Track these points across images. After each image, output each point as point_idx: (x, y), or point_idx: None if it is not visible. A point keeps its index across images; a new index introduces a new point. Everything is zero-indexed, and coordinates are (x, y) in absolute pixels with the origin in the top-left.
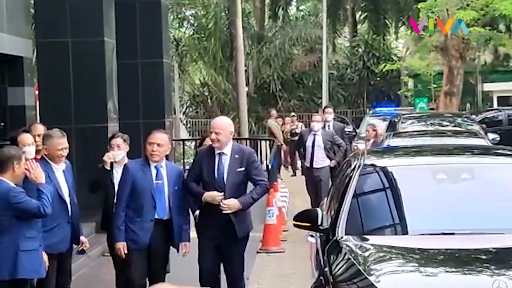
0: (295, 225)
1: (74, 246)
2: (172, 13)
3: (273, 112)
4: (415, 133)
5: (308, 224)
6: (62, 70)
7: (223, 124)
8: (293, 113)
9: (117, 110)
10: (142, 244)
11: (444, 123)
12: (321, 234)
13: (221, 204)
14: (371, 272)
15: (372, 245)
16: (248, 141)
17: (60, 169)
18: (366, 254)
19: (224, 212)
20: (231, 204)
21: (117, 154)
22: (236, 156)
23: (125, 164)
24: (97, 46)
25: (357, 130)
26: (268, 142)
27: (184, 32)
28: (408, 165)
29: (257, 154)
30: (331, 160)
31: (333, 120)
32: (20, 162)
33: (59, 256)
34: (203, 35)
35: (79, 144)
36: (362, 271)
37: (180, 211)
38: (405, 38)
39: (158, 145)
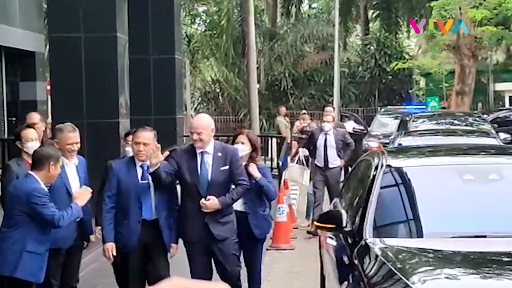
0: (318, 227)
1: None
2: (185, 10)
3: (282, 109)
4: (426, 132)
5: (333, 226)
6: (74, 65)
7: (204, 123)
8: (303, 111)
9: (128, 106)
10: (131, 247)
11: (456, 122)
12: (346, 236)
13: (200, 202)
14: (408, 276)
15: (405, 247)
16: (259, 138)
17: (71, 164)
18: (400, 257)
19: (203, 210)
20: (209, 204)
21: (131, 151)
22: (219, 154)
23: (109, 164)
24: (109, 41)
25: (368, 128)
26: (278, 140)
27: (196, 28)
28: (434, 165)
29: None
30: (341, 159)
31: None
32: (57, 163)
33: (67, 252)
34: (215, 32)
35: (90, 139)
36: (399, 274)
37: (167, 211)
38: (417, 37)
39: (144, 144)
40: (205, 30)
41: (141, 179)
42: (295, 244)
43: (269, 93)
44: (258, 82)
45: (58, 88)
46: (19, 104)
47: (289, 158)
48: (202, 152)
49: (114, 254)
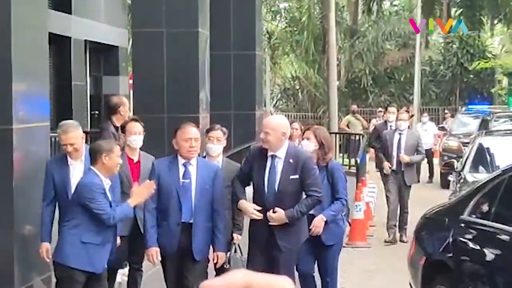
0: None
1: None
2: (266, 6)
3: (353, 107)
4: (508, 131)
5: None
6: (157, 60)
7: (274, 124)
8: (380, 108)
9: (208, 101)
10: (169, 251)
11: None
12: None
13: (267, 215)
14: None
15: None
16: (337, 136)
17: (77, 162)
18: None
19: (270, 223)
20: (276, 217)
21: (215, 148)
22: (291, 160)
23: (152, 162)
24: (191, 37)
25: (448, 127)
26: (358, 137)
27: (277, 25)
28: None
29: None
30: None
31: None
32: (111, 154)
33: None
34: (295, 29)
35: (171, 134)
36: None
37: (210, 213)
38: (501, 36)
39: (196, 140)
40: (286, 26)
41: (183, 178)
42: (372, 242)
43: (349, 90)
44: (338, 79)
45: (140, 83)
46: (102, 98)
47: (367, 156)
48: (272, 155)
49: (160, 258)
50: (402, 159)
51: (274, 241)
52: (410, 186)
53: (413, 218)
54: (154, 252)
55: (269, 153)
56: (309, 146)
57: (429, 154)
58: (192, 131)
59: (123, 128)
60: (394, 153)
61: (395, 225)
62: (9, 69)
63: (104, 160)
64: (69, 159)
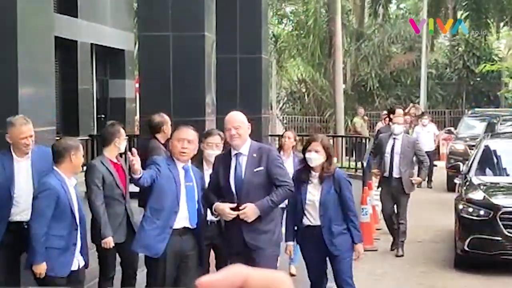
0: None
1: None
2: (272, 9)
3: (360, 110)
4: None
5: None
6: (163, 63)
7: (241, 117)
8: (385, 112)
9: (215, 105)
10: (161, 254)
11: None
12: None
13: (239, 214)
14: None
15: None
16: (343, 139)
17: (23, 160)
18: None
19: (244, 219)
20: (247, 211)
21: (215, 155)
22: (254, 155)
23: (151, 157)
24: (197, 40)
25: (455, 131)
26: (360, 140)
27: (283, 28)
28: None
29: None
30: (411, 174)
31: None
32: (77, 152)
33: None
34: (302, 32)
35: None
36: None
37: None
38: (507, 38)
39: (189, 141)
40: (292, 30)
41: (185, 181)
42: (378, 245)
43: (355, 94)
44: (344, 82)
45: (146, 86)
46: (108, 102)
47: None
48: (237, 153)
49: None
50: (416, 183)
51: (246, 242)
52: (408, 194)
53: (419, 221)
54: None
55: (234, 152)
56: (318, 159)
57: (430, 157)
58: (187, 132)
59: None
60: (387, 159)
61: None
62: (15, 73)
63: (71, 158)
64: (14, 155)
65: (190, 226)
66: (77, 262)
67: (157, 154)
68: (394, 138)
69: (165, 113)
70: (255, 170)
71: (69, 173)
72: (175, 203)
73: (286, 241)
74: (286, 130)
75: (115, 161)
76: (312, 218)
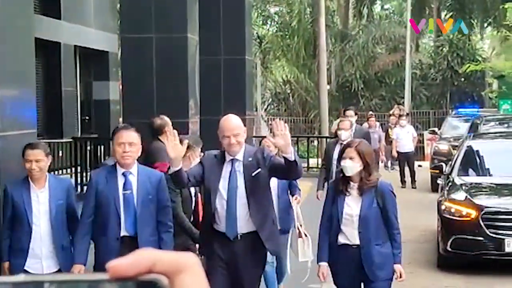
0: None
1: None
2: (256, 11)
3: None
4: (496, 134)
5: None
6: (146, 65)
7: (240, 123)
8: (370, 112)
9: (198, 106)
10: None
11: None
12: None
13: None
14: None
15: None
16: (327, 140)
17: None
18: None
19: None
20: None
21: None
22: (250, 159)
23: (90, 174)
24: (180, 42)
25: (439, 131)
26: None
27: (268, 29)
28: None
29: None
30: None
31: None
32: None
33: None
34: (286, 33)
35: None
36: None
37: (155, 226)
38: (491, 39)
39: (130, 144)
40: (277, 31)
41: (123, 189)
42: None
43: (340, 94)
44: (329, 83)
45: (129, 88)
46: (92, 104)
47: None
48: (232, 159)
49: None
50: None
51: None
52: None
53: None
54: (78, 269)
55: (228, 158)
56: (353, 168)
57: (410, 157)
58: (124, 135)
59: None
60: (334, 167)
61: None
62: None
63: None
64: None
65: (129, 235)
66: (41, 267)
67: (162, 154)
68: (341, 144)
69: (149, 115)
70: (252, 174)
71: (32, 179)
72: (116, 213)
73: (318, 261)
74: (267, 136)
75: None
76: (349, 235)
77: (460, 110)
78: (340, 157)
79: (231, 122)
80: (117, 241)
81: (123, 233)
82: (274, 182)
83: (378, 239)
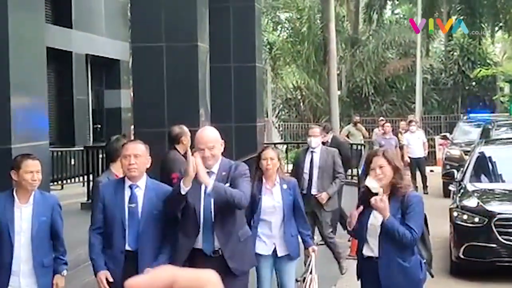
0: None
1: None
2: (267, 17)
3: (356, 118)
4: (510, 140)
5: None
6: (156, 74)
7: (216, 135)
8: (381, 118)
9: (209, 114)
10: (115, 280)
11: None
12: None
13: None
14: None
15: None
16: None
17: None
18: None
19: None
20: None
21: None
22: (223, 173)
23: (98, 185)
24: (191, 51)
25: (450, 136)
26: (359, 147)
27: (278, 35)
28: None
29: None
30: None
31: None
32: (18, 169)
33: None
34: (296, 39)
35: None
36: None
37: (159, 241)
38: (502, 42)
39: (136, 156)
40: (287, 37)
41: (129, 202)
42: None
43: (350, 100)
44: (339, 89)
45: (141, 97)
46: (104, 112)
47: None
48: (208, 172)
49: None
50: (321, 200)
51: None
52: (330, 212)
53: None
54: (103, 275)
55: (206, 163)
56: (384, 178)
57: (421, 163)
58: (130, 147)
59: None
60: (306, 176)
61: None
62: (7, 87)
63: (13, 176)
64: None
65: (131, 250)
66: (18, 285)
67: (177, 165)
68: (312, 152)
69: (160, 123)
70: None
71: (18, 193)
72: (121, 226)
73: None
74: (263, 149)
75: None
76: (373, 246)
77: (471, 115)
78: (368, 168)
79: (206, 135)
80: (121, 254)
81: (127, 247)
82: (279, 201)
83: (401, 252)
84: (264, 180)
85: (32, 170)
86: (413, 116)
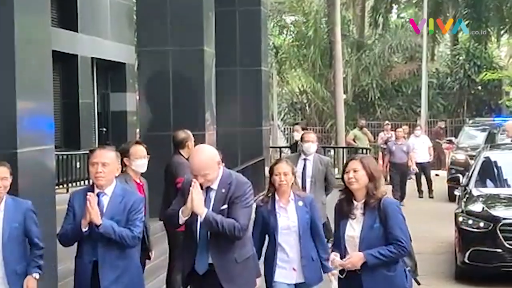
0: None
1: None
2: (272, 20)
3: (362, 122)
4: None
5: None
6: (162, 78)
7: (208, 161)
8: (386, 122)
9: (215, 118)
10: None
11: None
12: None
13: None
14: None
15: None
16: (344, 150)
17: None
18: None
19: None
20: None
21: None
22: (223, 190)
23: (71, 193)
24: (196, 55)
25: (455, 141)
26: (366, 151)
27: (284, 39)
28: None
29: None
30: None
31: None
32: None
33: None
34: (302, 43)
35: None
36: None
37: (118, 249)
38: (508, 47)
39: (104, 164)
40: (293, 40)
41: None
42: None
43: (356, 104)
44: (345, 92)
45: (146, 100)
46: (110, 115)
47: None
48: (208, 187)
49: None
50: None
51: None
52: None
53: (420, 232)
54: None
55: (204, 186)
56: (357, 182)
57: (426, 167)
58: (97, 154)
59: (127, 152)
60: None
61: None
62: (13, 90)
63: None
64: None
65: (95, 258)
66: None
67: (181, 170)
68: (305, 159)
69: (165, 127)
70: (221, 208)
71: None
72: (90, 236)
73: None
74: (276, 162)
75: (138, 181)
76: None
77: (496, 119)
78: (343, 172)
79: (198, 163)
80: (89, 264)
81: (94, 257)
82: (294, 221)
83: (385, 264)
84: (277, 197)
85: None
86: (419, 126)
